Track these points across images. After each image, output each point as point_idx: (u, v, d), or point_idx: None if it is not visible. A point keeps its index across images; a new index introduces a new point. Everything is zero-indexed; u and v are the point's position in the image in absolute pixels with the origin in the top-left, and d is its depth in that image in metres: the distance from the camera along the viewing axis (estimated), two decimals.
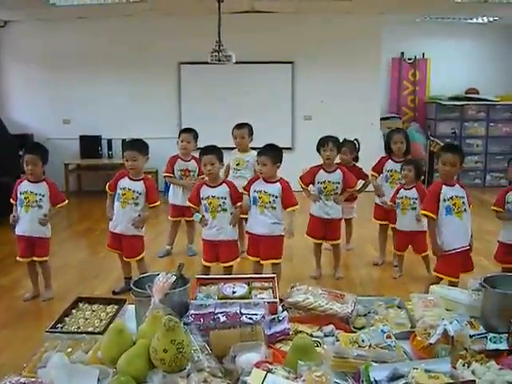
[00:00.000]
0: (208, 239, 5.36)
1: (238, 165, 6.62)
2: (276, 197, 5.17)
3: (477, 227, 5.50)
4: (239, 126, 6.71)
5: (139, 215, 5.45)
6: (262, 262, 5.32)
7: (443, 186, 4.83)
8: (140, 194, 5.44)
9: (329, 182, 5.90)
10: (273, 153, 5.22)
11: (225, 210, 5.24)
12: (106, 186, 5.61)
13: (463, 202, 4.79)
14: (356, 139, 6.82)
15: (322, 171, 5.94)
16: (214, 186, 5.26)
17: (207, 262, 5.38)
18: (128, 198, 5.43)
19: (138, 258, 5.60)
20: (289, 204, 5.22)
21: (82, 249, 7.63)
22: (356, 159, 6.79)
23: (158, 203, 5.62)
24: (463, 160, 4.91)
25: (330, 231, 6.05)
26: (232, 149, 6.77)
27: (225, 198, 5.22)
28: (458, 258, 4.86)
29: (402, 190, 5.91)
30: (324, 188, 5.91)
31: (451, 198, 4.79)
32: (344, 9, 9.92)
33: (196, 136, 6.77)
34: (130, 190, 5.43)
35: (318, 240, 6.13)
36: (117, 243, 5.59)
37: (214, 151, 5.25)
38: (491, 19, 11.03)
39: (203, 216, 5.28)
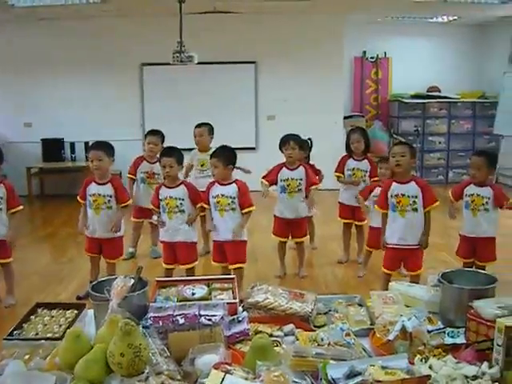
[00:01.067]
0: (165, 240, 5.36)
1: (202, 165, 6.63)
2: (234, 198, 5.16)
3: (440, 223, 5.55)
4: (199, 124, 6.75)
5: (115, 220, 5.41)
6: (229, 267, 5.29)
7: (393, 183, 4.93)
8: (111, 196, 5.39)
9: (292, 179, 5.93)
10: (224, 155, 5.21)
11: (182, 211, 5.23)
12: (78, 197, 5.52)
13: (413, 202, 4.82)
14: (309, 138, 6.85)
15: (284, 169, 5.96)
16: (172, 187, 5.24)
17: (166, 263, 5.38)
18: (100, 204, 5.38)
19: (119, 259, 5.60)
20: (245, 205, 5.19)
21: (46, 254, 7.52)
22: (308, 158, 6.80)
23: (129, 202, 5.59)
24: (414, 153, 4.95)
25: (296, 229, 6.07)
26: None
27: (182, 200, 5.21)
28: (394, 253, 5.00)
29: (377, 188, 5.91)
30: (287, 185, 5.93)
31: (397, 195, 4.87)
32: (306, 9, 9.94)
33: (163, 138, 6.74)
34: (100, 195, 5.38)
35: (284, 238, 6.15)
36: (96, 247, 5.53)
37: (174, 154, 5.25)
38: (451, 18, 11.17)
39: (159, 217, 5.30)
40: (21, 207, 5.46)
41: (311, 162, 6.80)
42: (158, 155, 6.63)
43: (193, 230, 5.36)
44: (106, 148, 5.42)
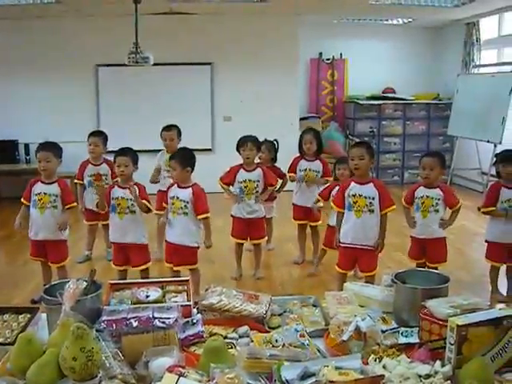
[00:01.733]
0: (115, 241, 5.34)
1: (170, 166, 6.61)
2: (187, 202, 5.12)
3: (395, 223, 5.60)
4: (168, 127, 6.70)
5: (60, 218, 5.34)
6: (174, 268, 5.27)
7: (352, 183, 4.96)
8: (56, 196, 5.31)
9: (249, 180, 5.93)
10: (182, 157, 5.20)
11: (133, 211, 5.21)
12: (22, 199, 5.44)
13: (370, 203, 4.86)
14: (275, 140, 6.89)
15: (242, 170, 5.97)
16: (125, 188, 5.21)
17: (116, 265, 5.35)
18: (45, 203, 5.29)
19: (64, 263, 5.49)
20: (199, 211, 5.16)
21: (0, 257, 7.42)
22: (274, 160, 6.84)
23: (74, 204, 5.50)
24: (372, 153, 4.99)
25: (254, 230, 6.09)
26: (156, 151, 6.80)
27: (133, 200, 5.18)
28: (347, 253, 5.05)
29: (337, 187, 5.91)
30: (245, 187, 5.93)
31: (354, 195, 4.90)
32: (262, 10, 9.97)
33: (105, 139, 6.67)
34: (45, 194, 5.30)
35: (242, 240, 6.15)
36: (40, 251, 5.44)
37: (129, 153, 5.24)
38: (406, 21, 11.33)
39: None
40: None
41: (277, 165, 6.84)
42: (102, 157, 6.62)
43: (142, 231, 5.34)
44: (54, 149, 5.36)
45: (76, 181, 6.73)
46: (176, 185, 5.23)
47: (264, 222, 6.26)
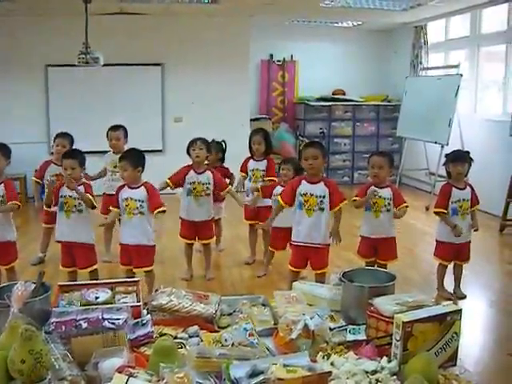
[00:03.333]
0: (62, 240, 5.30)
1: (115, 167, 6.55)
2: (142, 201, 5.11)
3: (345, 223, 5.66)
4: (114, 127, 6.67)
5: None
6: (134, 269, 5.25)
7: (303, 181, 5.00)
8: (2, 196, 5.17)
9: (198, 182, 5.93)
10: (132, 157, 5.17)
11: (80, 210, 5.18)
12: None
13: (321, 201, 4.91)
14: (223, 140, 6.91)
15: (192, 171, 5.97)
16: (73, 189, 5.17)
17: (64, 267, 5.31)
18: None
19: (11, 265, 5.37)
20: (155, 206, 5.14)
21: None
22: (222, 160, 6.86)
23: (15, 202, 5.24)
24: (325, 153, 5.06)
25: (202, 231, 6.09)
26: (105, 152, 6.72)
27: (80, 199, 5.15)
28: (300, 251, 5.12)
29: (278, 187, 5.96)
30: (193, 189, 5.93)
31: (305, 194, 4.94)
32: (213, 11, 9.97)
33: (72, 141, 6.60)
34: None
35: (190, 241, 6.15)
36: None
37: (76, 156, 5.21)
38: (356, 23, 11.46)
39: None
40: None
41: (225, 165, 6.87)
42: None
43: (89, 232, 5.31)
44: (1, 149, 5.31)
45: (34, 178, 6.65)
46: (126, 186, 5.20)
47: (212, 223, 6.26)
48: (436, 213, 5.57)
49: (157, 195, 5.22)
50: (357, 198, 5.39)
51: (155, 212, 5.15)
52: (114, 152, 6.63)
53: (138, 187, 5.17)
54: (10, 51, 10.16)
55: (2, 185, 5.25)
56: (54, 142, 6.67)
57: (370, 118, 12.06)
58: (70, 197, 5.16)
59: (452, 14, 10.18)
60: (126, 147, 6.55)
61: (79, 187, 5.17)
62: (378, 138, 12.10)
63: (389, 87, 12.27)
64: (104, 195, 6.46)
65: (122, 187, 5.26)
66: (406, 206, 5.32)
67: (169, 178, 6.00)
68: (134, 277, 5.02)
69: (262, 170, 6.46)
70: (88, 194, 5.15)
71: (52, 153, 6.64)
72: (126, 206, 5.14)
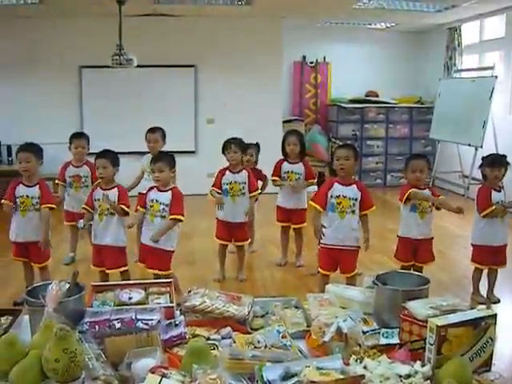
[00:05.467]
0: (95, 243, 5.33)
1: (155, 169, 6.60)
2: (166, 205, 5.09)
3: (377, 225, 5.64)
4: (153, 129, 6.65)
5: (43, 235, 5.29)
6: (148, 269, 5.25)
7: (335, 184, 4.98)
8: (38, 198, 5.29)
9: (235, 182, 5.96)
10: (168, 159, 5.19)
11: (112, 214, 5.20)
12: (3, 200, 5.38)
13: (353, 204, 4.90)
14: (257, 143, 6.91)
15: (228, 172, 6.01)
16: (106, 189, 5.21)
17: (94, 266, 5.34)
18: (27, 205, 5.27)
19: (45, 264, 5.45)
20: (174, 213, 5.09)
21: None
22: (256, 162, 6.87)
23: (50, 205, 5.38)
24: (357, 155, 5.04)
25: (238, 232, 6.10)
26: (140, 153, 6.77)
27: (114, 202, 5.15)
28: (330, 254, 5.08)
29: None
30: (230, 189, 5.96)
31: (338, 196, 4.93)
32: (245, 13, 9.99)
33: (88, 140, 6.68)
34: (28, 196, 5.27)
35: (226, 242, 6.16)
36: (22, 251, 5.41)
37: (107, 155, 5.24)
38: (389, 25, 11.38)
39: (85, 225, 5.29)
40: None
41: (258, 167, 6.88)
42: (85, 158, 6.61)
43: (122, 234, 5.32)
44: (34, 150, 5.35)
45: (57, 182, 6.71)
46: (156, 188, 5.21)
47: (246, 224, 6.25)
48: (485, 215, 5.49)
49: (180, 203, 5.17)
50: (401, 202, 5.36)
51: (170, 217, 5.10)
52: (152, 154, 6.67)
53: (167, 191, 5.16)
54: (45, 53, 10.27)
55: (37, 186, 5.33)
56: (71, 143, 6.65)
57: (403, 120, 11.97)
58: (103, 200, 5.19)
59: (487, 16, 10.08)
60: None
61: (113, 190, 5.21)
62: (411, 140, 12.01)
63: (422, 89, 12.18)
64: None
65: (152, 188, 5.28)
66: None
67: (213, 186, 6.03)
68: (160, 277, 5.11)
69: (296, 173, 6.41)
70: (121, 205, 5.16)
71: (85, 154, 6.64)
72: (151, 207, 5.15)
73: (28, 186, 5.31)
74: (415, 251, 5.34)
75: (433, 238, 5.39)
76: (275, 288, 5.99)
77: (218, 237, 6.13)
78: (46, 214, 5.33)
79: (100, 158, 5.23)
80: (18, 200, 5.29)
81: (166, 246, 5.16)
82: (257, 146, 6.92)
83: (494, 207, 5.35)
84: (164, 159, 5.17)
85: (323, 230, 5.04)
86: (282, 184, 6.48)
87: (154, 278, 4.98)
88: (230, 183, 5.98)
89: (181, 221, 5.13)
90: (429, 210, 5.25)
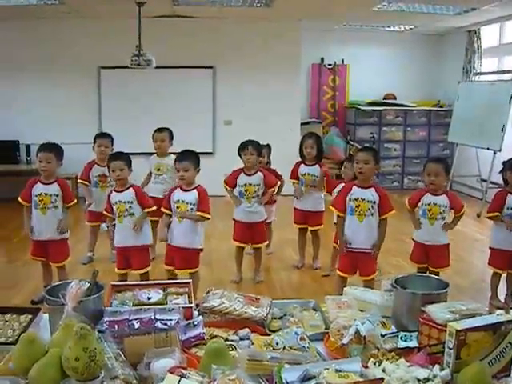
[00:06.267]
0: (118, 246, 5.36)
1: (158, 170, 6.65)
2: (193, 204, 5.13)
3: (394, 229, 5.61)
4: (160, 129, 6.73)
5: (60, 220, 5.37)
6: (176, 271, 5.29)
7: (354, 187, 4.98)
8: (57, 195, 5.34)
9: (249, 184, 5.96)
10: (193, 157, 5.20)
11: (132, 214, 5.23)
12: (19, 198, 5.44)
13: (371, 207, 4.89)
14: (268, 144, 6.90)
15: (242, 174, 6.01)
16: (121, 191, 5.25)
17: (119, 269, 5.37)
18: (47, 203, 5.31)
19: (65, 263, 5.52)
20: (202, 210, 5.16)
21: None
22: (269, 163, 6.87)
23: (74, 201, 5.54)
24: (377, 159, 5.03)
25: (255, 234, 6.10)
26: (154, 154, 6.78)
27: (131, 203, 5.21)
28: (349, 257, 5.06)
29: (341, 184, 5.90)
30: (245, 191, 5.96)
31: (356, 199, 4.92)
32: (264, 15, 9.99)
33: (112, 140, 6.71)
34: (46, 194, 5.32)
35: (244, 244, 6.17)
36: (41, 250, 5.45)
37: (123, 157, 5.27)
38: (408, 27, 11.34)
39: (109, 226, 5.31)
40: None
41: (272, 167, 6.87)
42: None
43: (145, 234, 5.35)
44: (55, 150, 5.39)
45: (80, 181, 6.70)
46: (179, 188, 5.23)
47: (264, 225, 6.26)
48: (489, 218, 5.47)
49: (206, 201, 5.23)
50: (409, 208, 5.38)
51: (197, 213, 5.16)
52: (157, 155, 6.69)
53: (191, 190, 5.19)
54: (64, 53, 10.34)
55: (56, 184, 5.38)
56: (95, 142, 6.71)
57: (421, 123, 11.92)
58: (120, 202, 5.24)
59: (507, 19, 10.00)
60: (170, 150, 6.63)
61: (128, 190, 5.26)
62: (429, 143, 11.96)
63: (440, 92, 12.13)
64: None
65: (174, 189, 5.29)
66: (462, 214, 5.27)
67: (225, 182, 6.07)
68: (175, 277, 5.14)
69: (313, 175, 6.42)
70: (198, 214, 5.19)
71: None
72: (177, 208, 5.17)
73: (46, 184, 5.36)
74: (428, 255, 5.32)
75: (447, 244, 5.33)
76: (292, 290, 5.99)
77: (236, 239, 6.14)
78: (68, 214, 5.48)
79: (116, 160, 5.26)
80: (36, 198, 5.33)
81: (196, 244, 5.23)
82: (268, 147, 6.93)
83: (497, 214, 5.35)
84: (190, 158, 5.19)
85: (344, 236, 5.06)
86: (299, 189, 6.48)
87: (169, 279, 5.02)
88: (245, 185, 5.98)
89: (208, 219, 5.21)
90: (439, 217, 5.20)
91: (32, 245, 5.50)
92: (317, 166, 6.45)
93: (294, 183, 6.58)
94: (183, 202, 5.15)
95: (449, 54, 12.04)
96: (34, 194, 5.35)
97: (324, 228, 6.52)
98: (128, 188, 5.28)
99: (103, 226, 5.32)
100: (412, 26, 11.19)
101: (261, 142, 6.60)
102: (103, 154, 6.58)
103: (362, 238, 4.96)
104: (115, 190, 5.30)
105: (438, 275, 4.74)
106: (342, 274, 5.13)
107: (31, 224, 5.39)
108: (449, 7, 9.09)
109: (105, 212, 5.40)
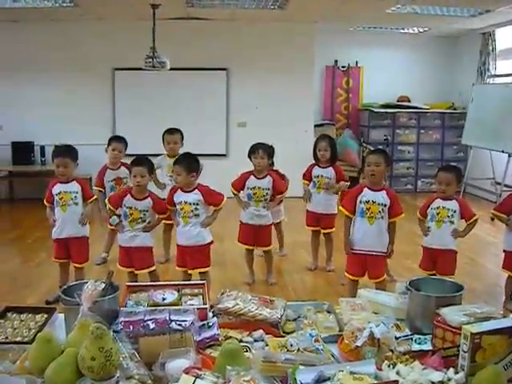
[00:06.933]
0: (122, 245, 5.38)
1: (173, 171, 6.63)
2: (197, 204, 5.16)
3: (407, 231, 5.59)
4: (172, 131, 6.73)
5: (82, 213, 5.43)
6: (189, 271, 5.31)
7: (365, 189, 4.97)
8: (77, 192, 5.40)
9: (259, 188, 5.96)
10: (187, 162, 5.20)
11: (144, 221, 5.27)
12: (44, 201, 5.50)
13: (382, 210, 4.88)
14: (271, 145, 6.88)
15: (252, 177, 6.00)
16: (139, 199, 5.25)
17: (122, 266, 5.38)
18: (67, 200, 5.37)
19: (85, 265, 5.58)
20: (217, 202, 5.24)
21: (13, 257, 7.40)
22: (272, 164, 6.85)
23: (94, 197, 5.65)
24: (389, 162, 5.02)
25: (261, 237, 6.11)
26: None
27: (146, 211, 5.25)
28: (358, 260, 5.05)
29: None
30: (254, 194, 5.96)
31: (367, 202, 4.91)
32: (278, 17, 10.00)
33: (126, 145, 6.72)
34: (66, 192, 5.38)
35: (250, 246, 6.18)
36: (63, 251, 5.51)
37: (145, 163, 5.26)
38: (421, 30, 11.32)
39: (120, 221, 5.30)
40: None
41: (275, 168, 6.81)
42: (120, 161, 6.64)
43: (150, 236, 5.39)
44: (71, 154, 5.45)
45: (95, 188, 6.64)
46: (180, 189, 5.25)
47: (271, 229, 6.26)
48: (494, 216, 5.43)
49: (213, 194, 5.27)
50: (420, 217, 5.34)
51: (218, 208, 5.25)
52: (168, 156, 6.70)
53: (192, 190, 5.21)
54: (79, 55, 10.39)
55: (74, 182, 5.46)
56: (109, 145, 6.69)
57: (435, 126, 11.90)
58: (136, 209, 5.25)
59: None
60: (181, 151, 6.64)
61: (147, 200, 5.27)
62: (443, 145, 11.93)
63: (454, 94, 12.08)
64: None
65: (175, 190, 5.30)
66: (476, 220, 5.20)
67: (232, 185, 6.06)
68: (190, 278, 5.21)
69: (326, 177, 6.40)
70: (159, 216, 5.35)
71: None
72: (181, 209, 5.20)
73: (65, 183, 5.42)
74: (435, 261, 5.25)
75: (454, 250, 5.23)
76: (305, 292, 5.99)
77: (240, 241, 6.16)
78: (90, 207, 5.57)
79: (138, 165, 5.23)
80: (56, 197, 5.40)
81: (204, 239, 5.27)
82: (271, 148, 6.89)
83: (503, 216, 5.34)
84: (182, 163, 5.21)
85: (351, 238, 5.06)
86: (309, 193, 6.48)
87: (183, 280, 5.04)
88: (254, 188, 5.98)
89: (221, 207, 5.29)
90: (447, 220, 5.14)
91: (54, 247, 5.56)
92: (330, 168, 6.44)
93: (304, 183, 6.58)
94: (186, 202, 5.18)
95: (463, 56, 12.00)
96: (55, 194, 5.40)
97: (338, 231, 6.49)
98: (146, 197, 5.28)
99: (114, 218, 5.32)
100: (426, 28, 11.17)
101: (279, 145, 6.63)
102: (116, 159, 6.60)
103: (371, 240, 4.95)
104: (133, 196, 5.27)
105: None
106: (350, 276, 5.13)
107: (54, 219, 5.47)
108: (463, 9, 9.07)
109: (108, 204, 5.43)
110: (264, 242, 6.15)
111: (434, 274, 5.15)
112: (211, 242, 5.34)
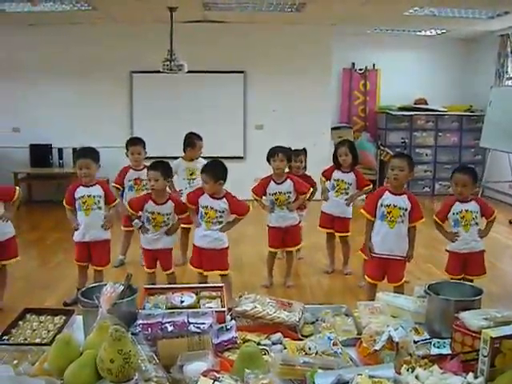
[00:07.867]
0: (146, 248, 5.43)
1: (191, 174, 6.66)
2: (222, 212, 5.20)
3: (425, 235, 5.56)
4: (197, 135, 6.82)
5: (105, 217, 5.46)
6: (205, 273, 5.32)
7: (386, 192, 4.94)
8: (100, 196, 5.44)
9: (280, 193, 5.94)
10: (214, 171, 5.21)
11: (167, 224, 5.32)
12: (64, 202, 5.51)
13: (403, 214, 4.85)
14: (304, 148, 6.87)
15: (272, 183, 5.98)
16: (160, 204, 5.29)
17: (148, 268, 5.46)
18: (90, 204, 5.39)
19: (106, 268, 5.62)
20: (243, 212, 5.28)
21: (32, 259, 7.42)
22: (305, 168, 6.85)
23: (117, 201, 5.71)
24: (412, 166, 4.98)
25: (289, 238, 6.09)
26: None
27: (169, 214, 5.30)
28: (379, 263, 5.02)
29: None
30: (276, 199, 5.95)
31: (388, 205, 4.88)
32: (295, 20, 9.99)
33: (144, 144, 6.74)
34: (89, 196, 5.40)
35: (278, 249, 6.19)
36: (85, 254, 5.53)
37: (158, 167, 5.28)
38: (439, 32, 11.27)
39: (143, 223, 5.33)
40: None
41: (308, 173, 6.79)
42: (143, 162, 6.66)
43: (172, 238, 5.47)
44: (93, 155, 5.47)
45: (113, 185, 6.69)
46: (207, 194, 5.25)
47: (298, 229, 6.23)
48: None
49: (240, 204, 5.30)
50: (438, 221, 5.28)
51: (237, 217, 5.30)
52: (184, 159, 6.72)
53: (220, 198, 5.23)
54: (97, 58, 10.42)
55: (98, 185, 5.50)
56: (128, 149, 6.73)
57: (453, 128, 11.83)
58: (159, 214, 5.28)
59: None
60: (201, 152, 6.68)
61: (168, 203, 5.32)
62: (461, 148, 11.87)
63: (472, 97, 12.00)
64: None
65: (202, 193, 5.30)
66: (495, 217, 5.21)
67: (252, 190, 6.06)
68: (205, 279, 5.26)
69: (347, 183, 6.35)
70: (178, 220, 5.42)
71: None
72: (206, 213, 5.21)
73: (88, 186, 5.43)
74: (465, 265, 5.22)
75: (483, 250, 5.26)
76: (322, 295, 5.98)
77: (272, 245, 6.15)
78: (114, 211, 5.64)
79: (152, 169, 5.29)
80: (79, 201, 5.41)
81: (225, 243, 5.30)
82: (304, 151, 6.88)
83: None
84: (210, 171, 5.23)
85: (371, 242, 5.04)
86: (326, 190, 6.48)
87: (199, 283, 5.05)
88: (275, 194, 5.96)
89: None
90: (473, 223, 5.12)
91: (76, 249, 5.58)
92: (351, 173, 6.39)
93: (321, 180, 6.56)
94: (212, 208, 5.20)
95: (481, 59, 11.92)
96: (77, 197, 5.42)
97: (354, 235, 6.46)
98: (167, 201, 5.33)
99: (137, 221, 5.34)
100: (444, 30, 11.11)
101: (298, 147, 6.61)
102: (137, 161, 6.65)
103: (391, 244, 4.93)
104: (153, 200, 5.30)
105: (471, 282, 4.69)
106: (370, 280, 5.11)
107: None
108: (481, 11, 9.02)
109: (129, 208, 5.46)
110: (294, 242, 6.15)
111: (462, 279, 5.13)
112: (228, 247, 5.36)
